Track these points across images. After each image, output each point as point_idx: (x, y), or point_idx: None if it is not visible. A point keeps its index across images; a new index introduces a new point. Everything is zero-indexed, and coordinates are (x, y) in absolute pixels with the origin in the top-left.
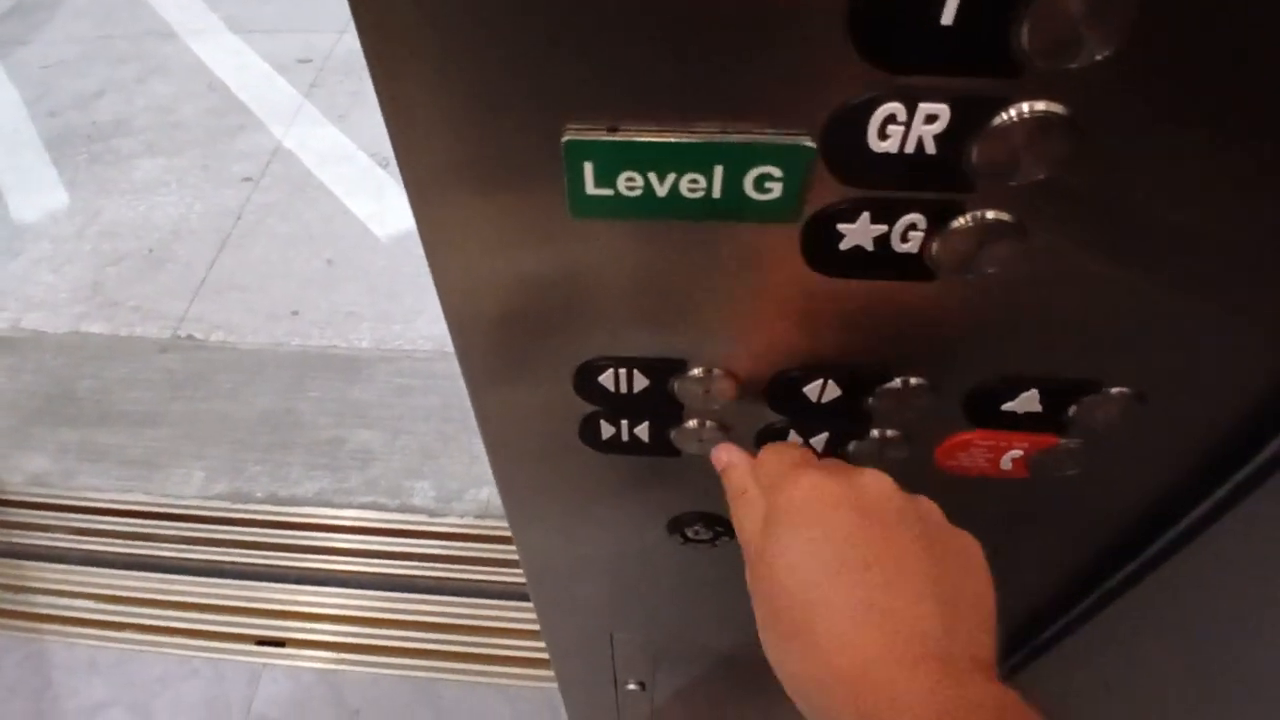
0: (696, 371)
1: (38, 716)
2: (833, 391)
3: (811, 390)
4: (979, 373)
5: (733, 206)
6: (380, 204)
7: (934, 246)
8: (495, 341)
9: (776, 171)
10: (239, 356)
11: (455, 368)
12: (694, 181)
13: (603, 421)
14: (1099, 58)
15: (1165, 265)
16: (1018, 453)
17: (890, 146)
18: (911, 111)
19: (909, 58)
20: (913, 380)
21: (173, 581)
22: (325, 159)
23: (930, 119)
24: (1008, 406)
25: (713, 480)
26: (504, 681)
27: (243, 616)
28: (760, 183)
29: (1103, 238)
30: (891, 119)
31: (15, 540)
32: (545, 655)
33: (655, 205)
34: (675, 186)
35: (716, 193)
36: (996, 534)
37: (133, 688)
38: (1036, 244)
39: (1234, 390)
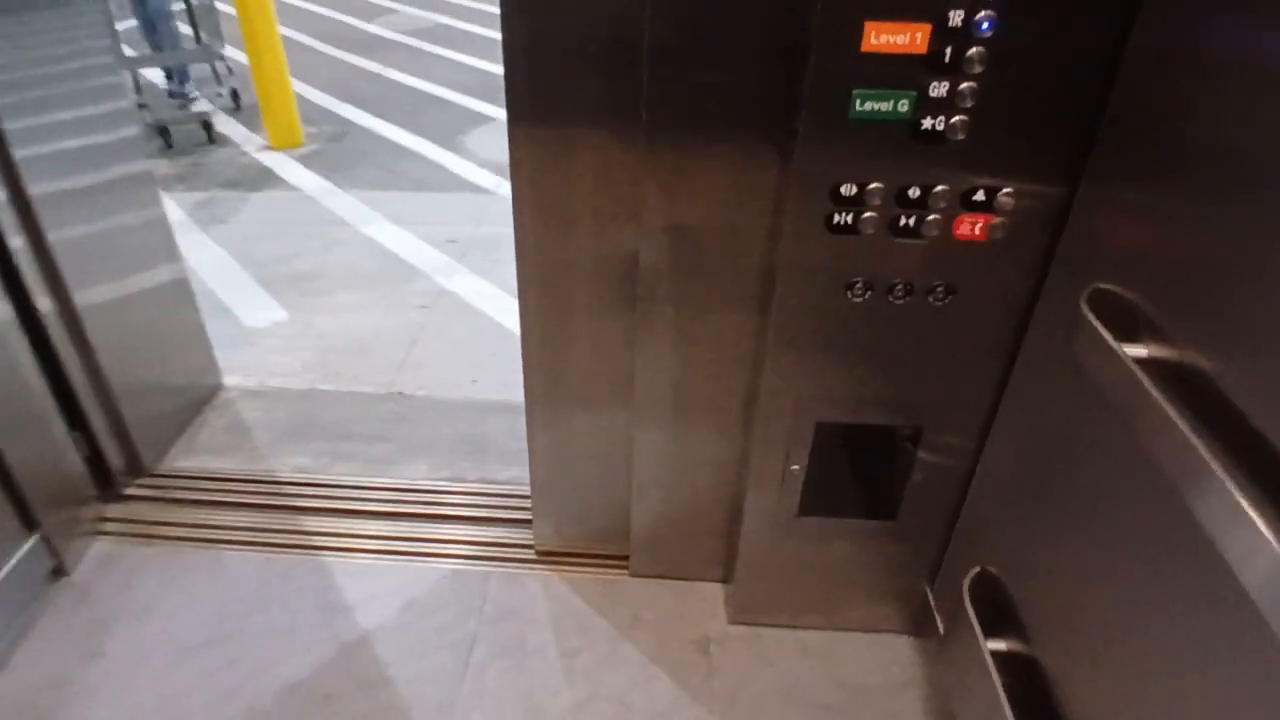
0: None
1: (326, 604)
2: None
3: None
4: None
5: None
6: None
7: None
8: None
9: None
10: (437, 404)
11: None
12: None
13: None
14: None
15: None
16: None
17: None
18: None
19: None
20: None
21: (408, 527)
22: (478, 295)
23: None
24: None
25: None
26: None
27: (460, 546)
28: None
29: None
30: None
31: (292, 503)
32: None
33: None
34: None
35: None
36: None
37: (388, 586)
38: None
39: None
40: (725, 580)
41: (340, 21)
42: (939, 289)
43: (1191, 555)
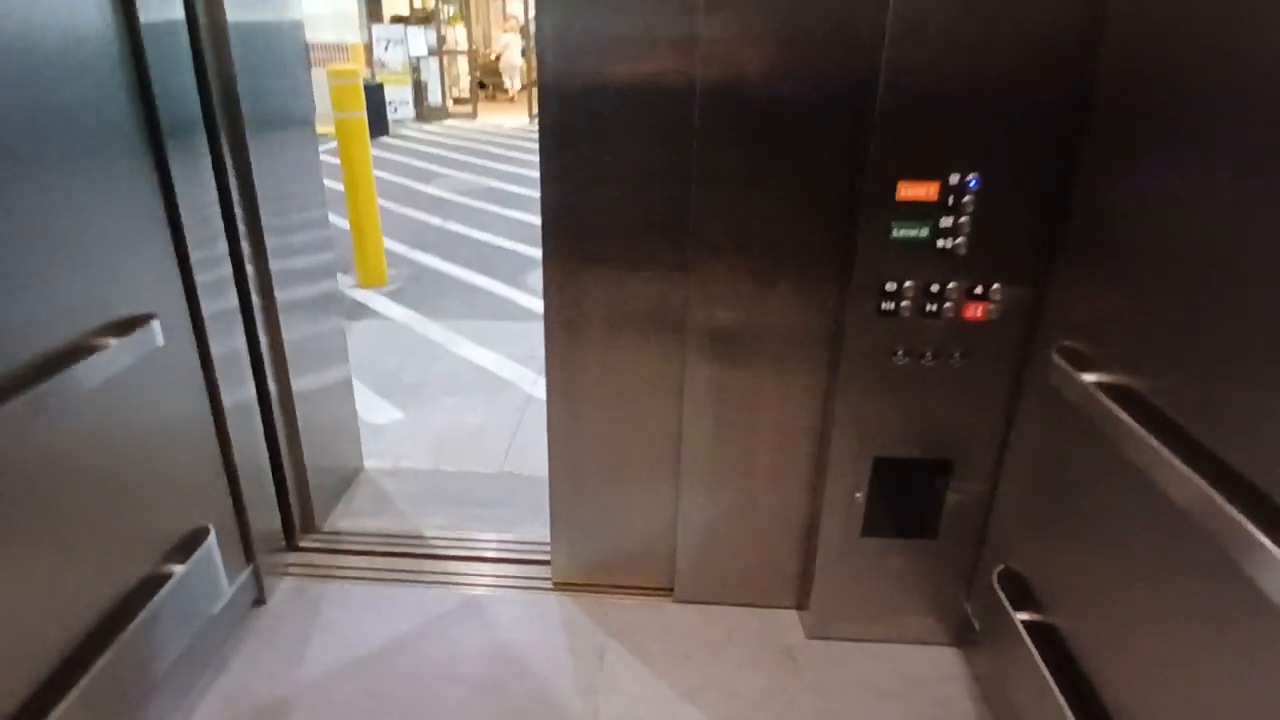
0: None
1: (476, 622)
2: None
3: None
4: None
5: None
6: None
7: None
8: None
9: None
10: (544, 480)
11: None
12: None
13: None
14: None
15: None
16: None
17: None
18: None
19: None
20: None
21: (536, 570)
22: None
23: None
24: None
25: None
26: None
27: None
28: None
29: None
30: None
31: (437, 552)
32: None
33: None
34: None
35: None
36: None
37: (528, 611)
38: None
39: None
40: (799, 605)
41: (402, 184)
42: (956, 354)
43: (1162, 522)
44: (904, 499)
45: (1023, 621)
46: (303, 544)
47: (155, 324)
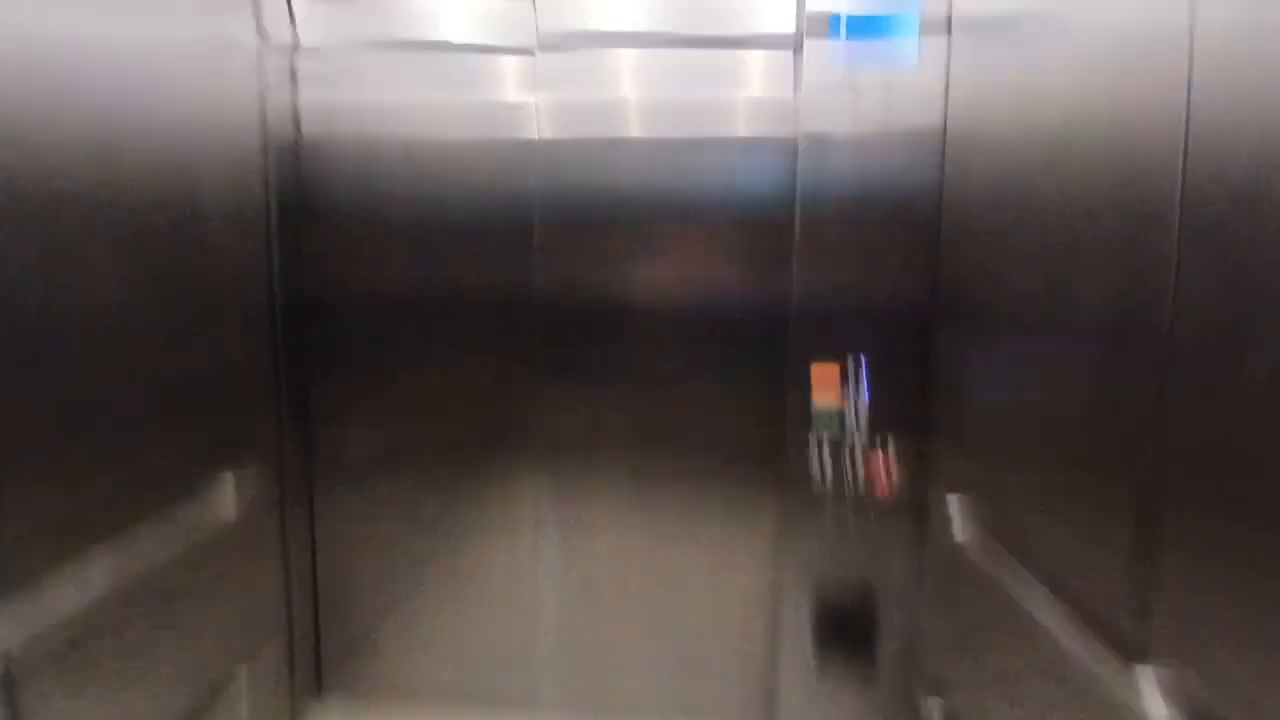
0: None
1: None
2: None
3: None
4: None
5: None
6: None
7: None
8: None
9: None
10: None
11: None
12: None
13: None
14: None
15: None
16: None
17: None
18: None
19: None
20: None
21: None
22: None
23: None
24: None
25: None
26: None
27: None
28: None
29: None
30: None
31: None
32: None
33: None
34: None
35: None
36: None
37: None
38: None
39: None
40: None
41: None
42: (872, 501)
43: (1040, 648)
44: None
45: None
46: None
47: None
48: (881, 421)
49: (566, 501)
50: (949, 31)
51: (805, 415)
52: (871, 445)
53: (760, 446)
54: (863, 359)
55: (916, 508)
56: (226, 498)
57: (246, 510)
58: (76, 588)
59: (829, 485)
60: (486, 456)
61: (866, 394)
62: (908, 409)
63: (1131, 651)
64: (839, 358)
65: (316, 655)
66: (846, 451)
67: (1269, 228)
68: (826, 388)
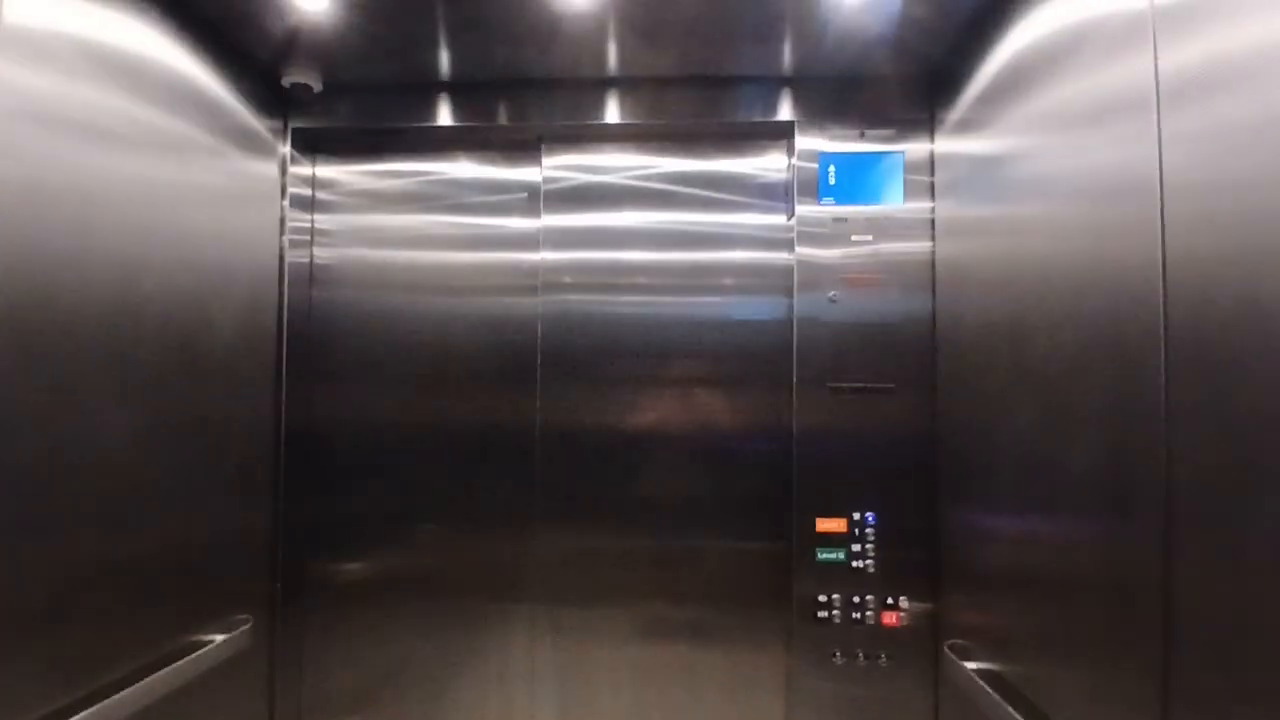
0: None
1: None
2: None
3: None
4: None
5: None
6: None
7: None
8: None
9: None
10: None
11: None
12: None
13: None
14: None
15: None
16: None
17: None
18: None
19: None
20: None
21: None
22: None
23: None
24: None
25: None
26: None
27: None
28: None
29: None
30: None
31: None
32: None
33: None
34: None
35: None
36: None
37: None
38: None
39: None
40: None
41: None
42: (880, 656)
43: None
44: None
45: None
46: None
47: None
48: (891, 574)
49: (563, 650)
50: (932, 173)
51: (813, 564)
52: (881, 599)
53: (767, 596)
54: (870, 516)
55: (925, 661)
56: (218, 651)
57: (236, 658)
58: None
59: (838, 641)
60: (482, 604)
61: (874, 545)
62: (917, 563)
63: None
64: (845, 512)
65: None
66: (855, 603)
67: (1248, 362)
68: (833, 538)
